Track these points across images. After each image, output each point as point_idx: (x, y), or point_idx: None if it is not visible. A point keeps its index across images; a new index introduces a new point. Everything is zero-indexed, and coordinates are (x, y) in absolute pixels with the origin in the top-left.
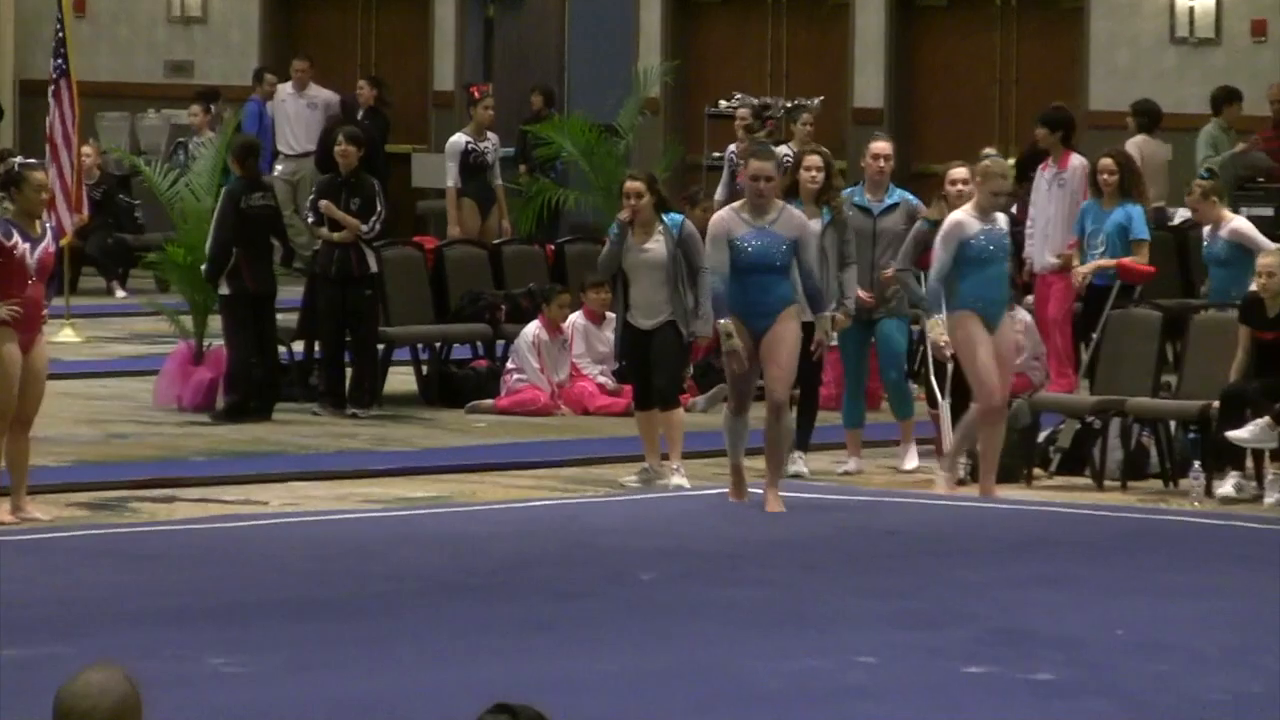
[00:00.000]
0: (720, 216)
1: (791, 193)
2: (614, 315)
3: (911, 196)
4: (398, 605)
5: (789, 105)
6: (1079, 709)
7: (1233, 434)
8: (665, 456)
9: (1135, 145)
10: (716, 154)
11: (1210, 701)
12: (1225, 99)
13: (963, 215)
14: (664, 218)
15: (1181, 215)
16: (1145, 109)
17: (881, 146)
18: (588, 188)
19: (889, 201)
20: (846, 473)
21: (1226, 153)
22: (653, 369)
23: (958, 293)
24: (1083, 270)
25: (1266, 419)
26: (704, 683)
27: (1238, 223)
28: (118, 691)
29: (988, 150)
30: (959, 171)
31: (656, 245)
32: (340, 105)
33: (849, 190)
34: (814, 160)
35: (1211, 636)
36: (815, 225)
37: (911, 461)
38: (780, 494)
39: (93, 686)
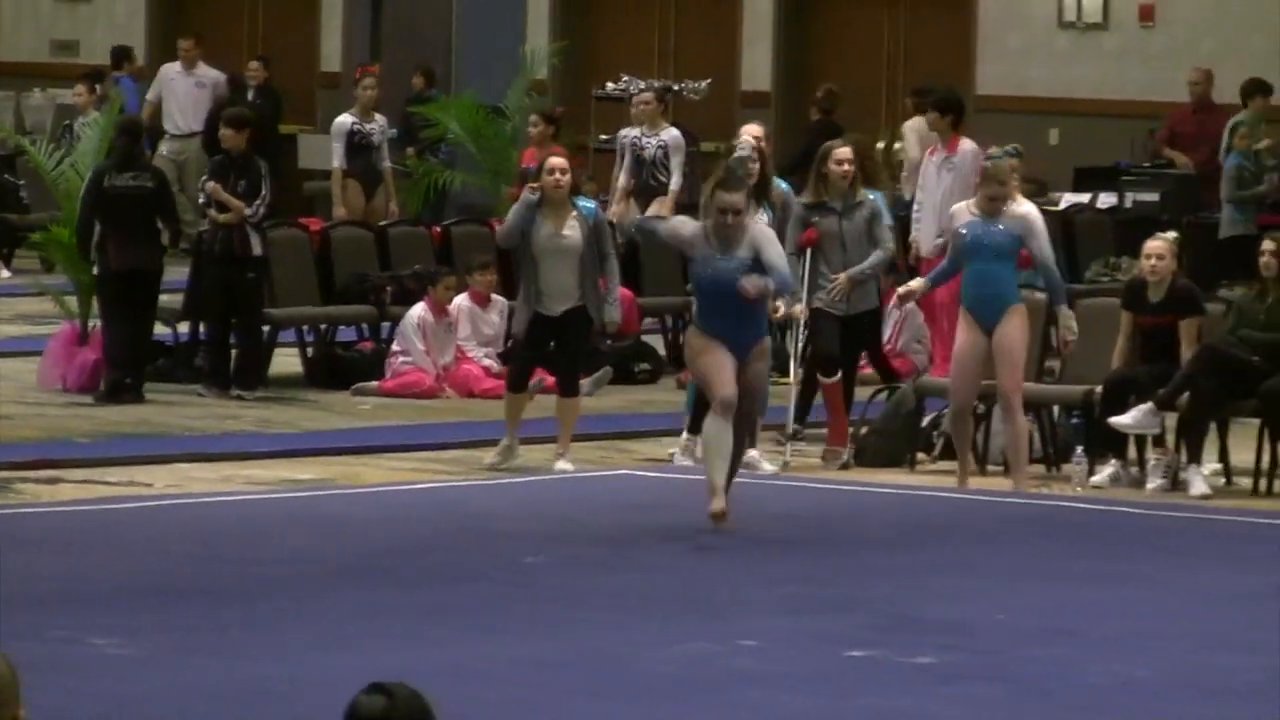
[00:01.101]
0: (692, 229)
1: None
2: (499, 298)
3: (783, 183)
4: (284, 589)
5: (676, 87)
6: (961, 693)
7: (1116, 420)
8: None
9: (914, 128)
10: (604, 136)
11: (1094, 685)
12: (1254, 90)
13: (962, 208)
14: (577, 203)
15: (1069, 200)
16: (922, 90)
17: (844, 153)
18: (475, 169)
19: (853, 202)
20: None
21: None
22: (561, 355)
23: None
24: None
25: (1149, 405)
26: (592, 668)
27: (1028, 208)
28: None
29: (993, 150)
30: (843, 151)
31: (572, 231)
32: (228, 84)
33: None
34: (844, 153)
35: (1096, 621)
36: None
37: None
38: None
39: None
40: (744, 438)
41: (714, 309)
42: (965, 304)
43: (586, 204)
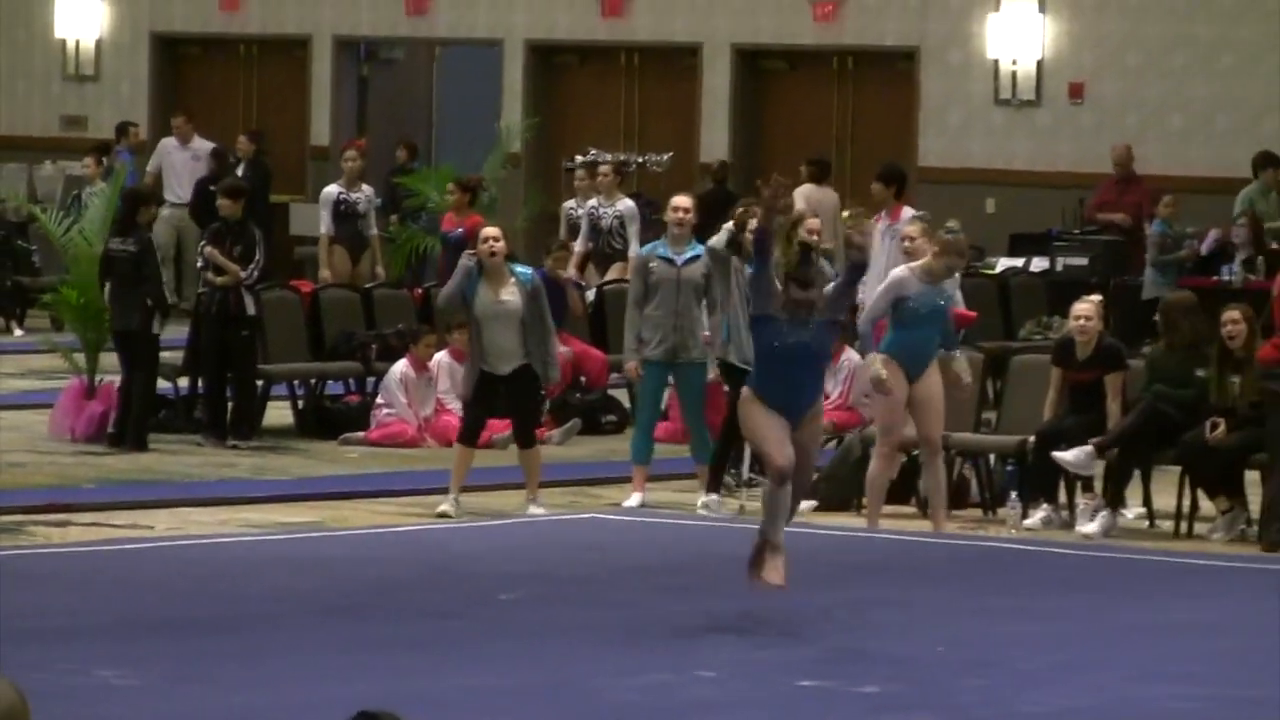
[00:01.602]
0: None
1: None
2: None
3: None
4: (275, 624)
5: (649, 160)
6: (898, 714)
7: (1058, 454)
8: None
9: (803, 194)
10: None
11: (1030, 714)
12: (1264, 163)
13: (907, 274)
14: (513, 268)
15: (1004, 264)
16: (816, 160)
17: (681, 200)
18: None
19: (690, 254)
20: (629, 507)
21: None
22: (514, 411)
23: (887, 340)
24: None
25: (1090, 447)
26: (559, 698)
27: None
28: (5, 701)
29: (951, 224)
30: (681, 200)
31: (511, 296)
32: (212, 156)
33: (650, 245)
34: (814, 223)
35: (1032, 655)
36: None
37: (704, 497)
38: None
39: None
40: (798, 498)
41: (774, 375)
42: (898, 359)
43: (523, 270)
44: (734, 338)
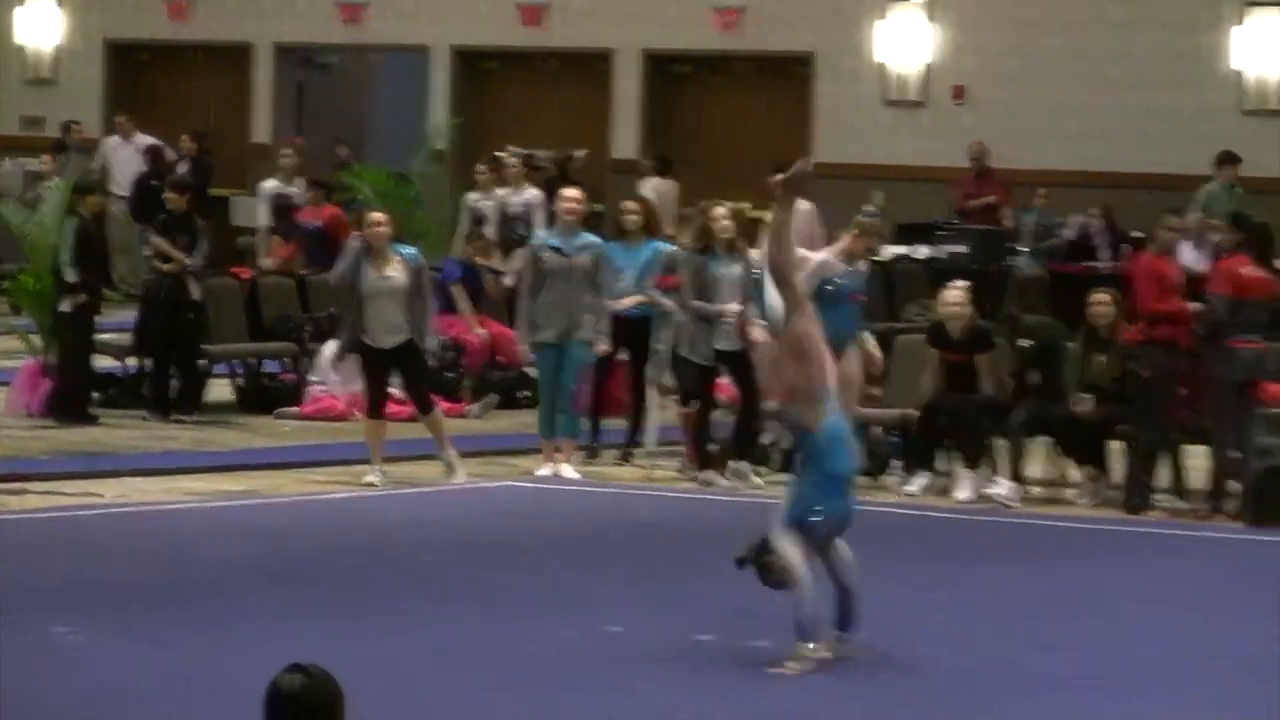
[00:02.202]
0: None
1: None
2: None
3: (595, 238)
4: (215, 587)
5: (566, 156)
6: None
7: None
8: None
9: (651, 187)
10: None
11: (906, 666)
12: (1224, 161)
13: (829, 258)
14: (398, 249)
15: (892, 251)
16: (659, 156)
17: (571, 193)
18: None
19: (579, 242)
20: (540, 476)
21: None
22: (407, 381)
23: None
24: (626, 303)
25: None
26: (482, 653)
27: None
28: None
29: (868, 208)
30: (571, 192)
31: (396, 273)
32: (147, 153)
33: (541, 235)
34: (722, 212)
35: (918, 612)
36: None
37: (547, 470)
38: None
39: None
40: None
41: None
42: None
43: (408, 250)
44: (681, 333)
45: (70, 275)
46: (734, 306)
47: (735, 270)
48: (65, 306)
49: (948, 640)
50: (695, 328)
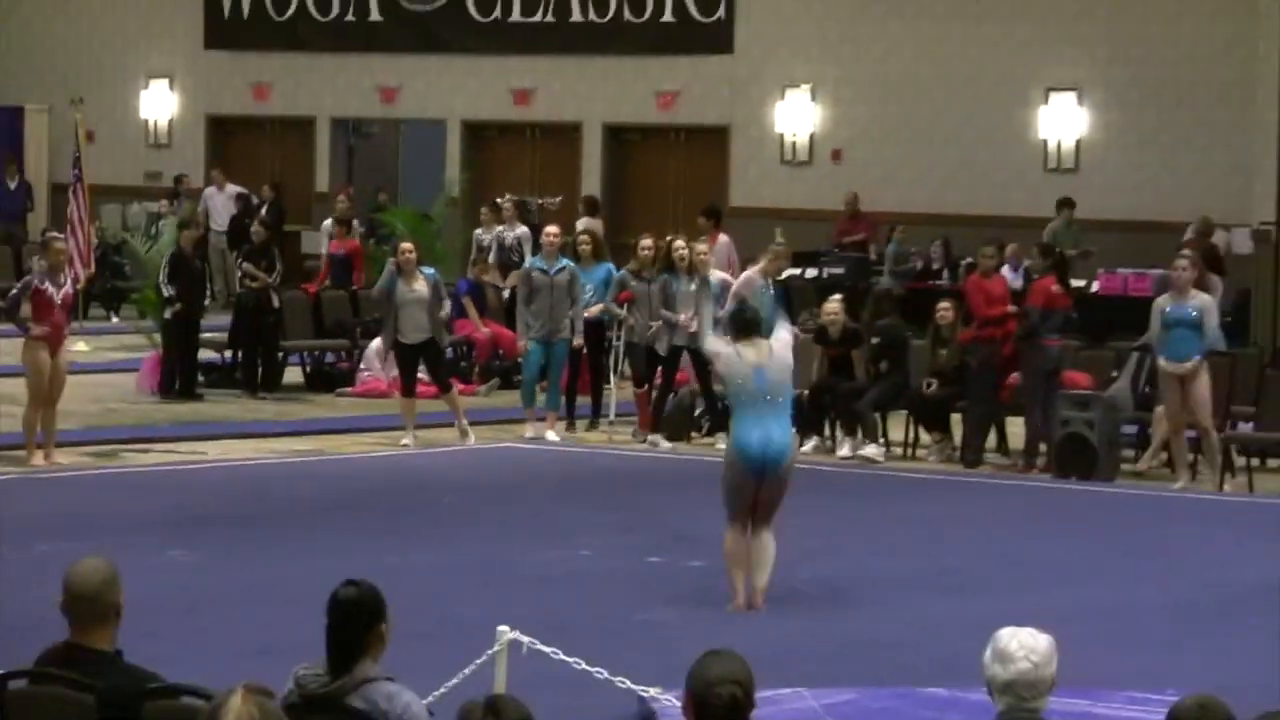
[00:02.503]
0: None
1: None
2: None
3: (571, 262)
4: (289, 518)
5: (544, 203)
6: (716, 581)
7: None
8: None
9: (584, 223)
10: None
11: (797, 574)
12: (1063, 204)
13: (755, 275)
14: (421, 269)
15: (788, 273)
16: (588, 198)
17: (552, 229)
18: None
19: (558, 266)
20: (526, 437)
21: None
22: (430, 369)
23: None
24: (593, 311)
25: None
26: (483, 569)
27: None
28: (105, 570)
29: (779, 240)
30: (551, 229)
31: (420, 287)
32: (237, 200)
33: (530, 260)
34: (646, 241)
35: (800, 536)
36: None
37: (530, 431)
38: None
39: (88, 566)
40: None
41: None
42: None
43: (428, 270)
44: (637, 332)
45: (166, 290)
46: (685, 316)
47: (690, 288)
48: (167, 314)
49: (825, 554)
50: (659, 329)
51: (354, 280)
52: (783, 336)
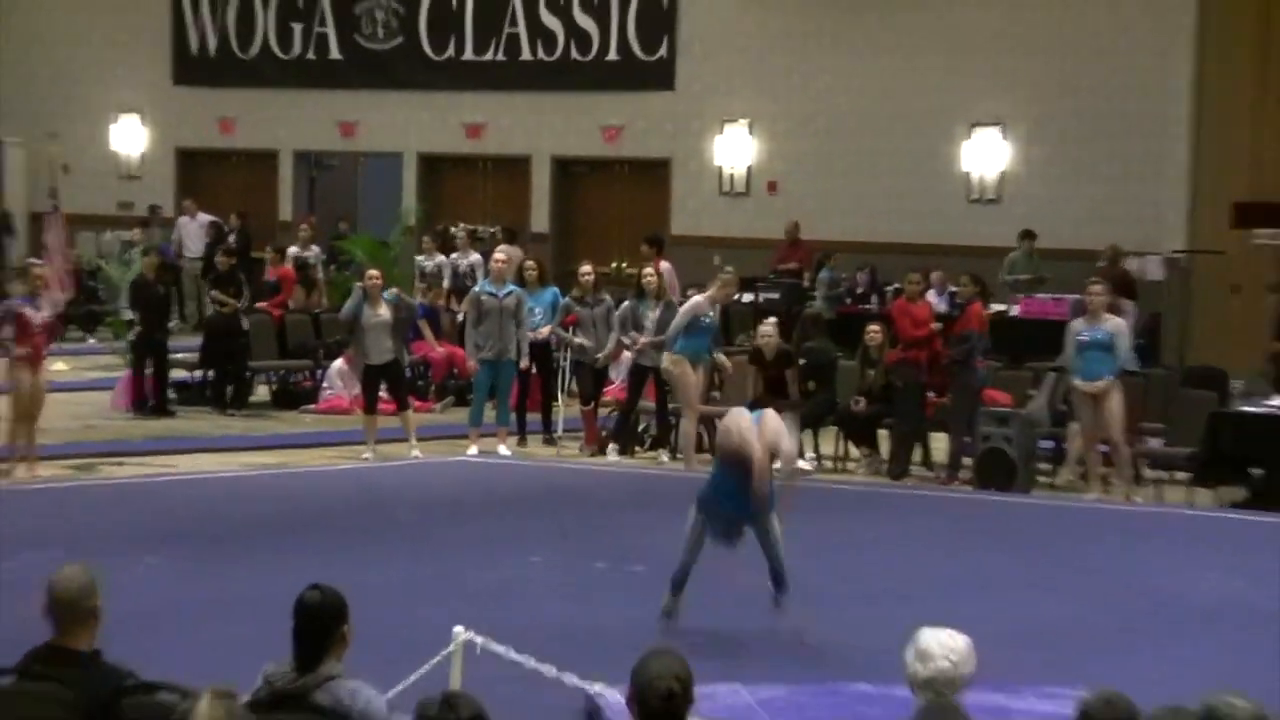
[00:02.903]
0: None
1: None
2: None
3: (517, 287)
4: (260, 530)
5: (493, 231)
6: (657, 585)
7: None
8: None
9: (503, 250)
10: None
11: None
12: (1025, 235)
13: (703, 301)
14: (384, 294)
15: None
16: (508, 228)
17: (499, 254)
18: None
19: (505, 291)
20: (470, 454)
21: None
22: (391, 386)
23: (679, 344)
24: (542, 333)
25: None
26: (438, 583)
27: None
28: (84, 576)
29: (728, 268)
30: (498, 254)
31: (384, 311)
32: (210, 227)
33: (479, 284)
34: (586, 268)
35: (739, 550)
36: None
37: (473, 450)
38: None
39: (69, 573)
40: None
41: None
42: (688, 356)
43: (389, 294)
44: (585, 352)
45: (126, 314)
46: (646, 339)
47: (655, 312)
48: (131, 336)
49: (761, 561)
50: (645, 350)
51: (281, 300)
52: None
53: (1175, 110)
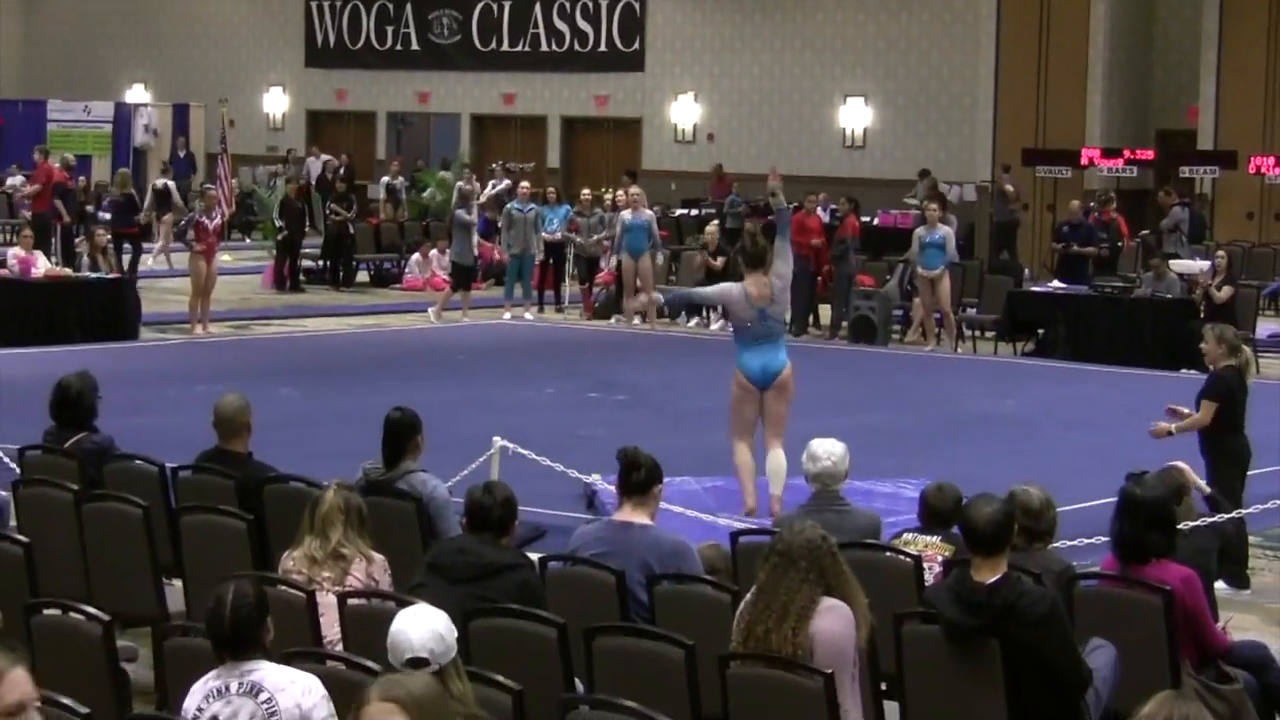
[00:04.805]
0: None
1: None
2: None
3: (535, 205)
4: (361, 368)
5: (521, 167)
6: (637, 413)
7: None
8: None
9: (504, 183)
10: (493, 183)
11: (687, 406)
12: (924, 173)
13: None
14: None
15: (677, 212)
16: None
17: (525, 183)
18: (436, 200)
19: (529, 207)
20: (505, 320)
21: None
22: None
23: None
24: (555, 235)
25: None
26: (482, 402)
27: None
28: (240, 400)
29: (710, 228)
30: (525, 182)
31: (472, 217)
32: (324, 165)
33: (511, 203)
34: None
35: (683, 395)
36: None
37: (508, 316)
38: None
39: (229, 399)
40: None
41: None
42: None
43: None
44: (585, 249)
45: (277, 223)
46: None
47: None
48: (278, 237)
49: (691, 394)
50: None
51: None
52: (784, 274)
53: (984, 83)
